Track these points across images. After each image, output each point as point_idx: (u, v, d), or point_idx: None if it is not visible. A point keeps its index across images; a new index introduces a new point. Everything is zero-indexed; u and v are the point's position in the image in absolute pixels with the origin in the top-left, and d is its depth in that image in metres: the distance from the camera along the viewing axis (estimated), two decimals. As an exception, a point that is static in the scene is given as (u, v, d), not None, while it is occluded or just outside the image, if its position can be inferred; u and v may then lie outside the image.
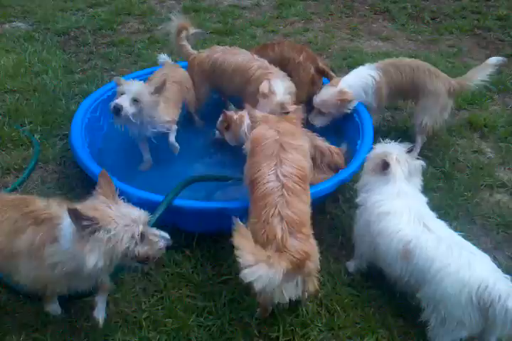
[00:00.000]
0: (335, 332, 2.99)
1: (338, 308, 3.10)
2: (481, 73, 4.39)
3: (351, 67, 5.93)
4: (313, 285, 2.81)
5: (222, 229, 3.49)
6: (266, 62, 4.35)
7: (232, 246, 3.42)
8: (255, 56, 4.43)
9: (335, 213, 3.75)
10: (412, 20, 7.52)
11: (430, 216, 3.06)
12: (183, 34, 4.68)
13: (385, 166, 3.16)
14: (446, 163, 4.39)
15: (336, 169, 3.89)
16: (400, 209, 3.03)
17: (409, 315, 3.09)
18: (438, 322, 2.79)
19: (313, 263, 2.76)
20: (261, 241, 2.69)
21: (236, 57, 4.41)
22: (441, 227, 2.99)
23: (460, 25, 7.30)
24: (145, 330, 2.96)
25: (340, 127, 4.68)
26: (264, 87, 3.99)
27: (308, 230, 2.81)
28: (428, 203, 3.20)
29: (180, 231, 3.54)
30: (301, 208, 2.83)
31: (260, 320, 3.04)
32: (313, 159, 3.62)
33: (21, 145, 4.47)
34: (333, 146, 4.02)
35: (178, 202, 3.36)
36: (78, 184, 4.05)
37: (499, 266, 3.38)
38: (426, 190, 3.70)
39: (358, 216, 3.31)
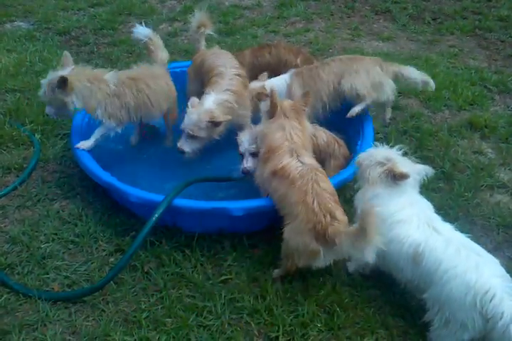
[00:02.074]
0: (334, 332, 2.99)
1: (338, 308, 3.10)
2: None
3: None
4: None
5: (222, 229, 3.54)
6: (233, 71, 4.13)
7: (232, 246, 3.47)
8: (235, 63, 4.29)
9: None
10: (413, 21, 7.51)
11: (438, 219, 3.07)
12: (201, 30, 4.70)
13: (400, 177, 3.08)
14: (446, 163, 4.39)
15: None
16: (410, 216, 3.02)
17: (409, 315, 3.10)
18: (442, 324, 2.79)
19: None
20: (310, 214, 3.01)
21: (216, 59, 4.29)
22: (449, 230, 3.00)
23: (461, 25, 7.30)
24: (145, 330, 2.97)
25: (340, 127, 4.67)
26: (192, 101, 3.95)
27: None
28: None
29: (180, 231, 3.55)
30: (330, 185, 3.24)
31: (260, 320, 3.04)
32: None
33: (22, 144, 4.46)
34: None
35: (178, 202, 3.36)
36: (78, 183, 4.05)
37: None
38: (426, 190, 3.72)
39: None
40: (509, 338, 2.52)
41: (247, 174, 3.65)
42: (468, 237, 3.50)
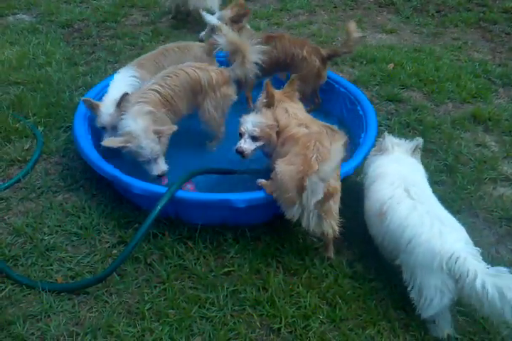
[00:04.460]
0: (336, 324, 3.00)
1: (340, 300, 3.11)
2: None
3: (355, 60, 5.96)
4: (330, 226, 3.19)
5: (225, 221, 3.54)
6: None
7: (235, 239, 3.48)
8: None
9: (337, 206, 3.75)
10: (417, 13, 7.48)
11: (418, 183, 3.20)
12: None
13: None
14: (449, 156, 4.38)
15: None
16: (389, 171, 3.28)
17: (411, 307, 3.10)
18: (416, 290, 2.89)
19: (334, 203, 3.18)
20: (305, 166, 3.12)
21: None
22: (423, 196, 3.08)
23: (465, 17, 7.26)
24: (148, 321, 2.98)
25: (343, 120, 4.68)
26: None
27: (339, 172, 3.27)
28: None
29: (183, 222, 3.56)
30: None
31: (263, 312, 3.06)
32: None
33: (25, 137, 4.47)
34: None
35: (181, 193, 3.37)
36: (81, 176, 4.06)
37: (501, 259, 3.44)
38: (429, 183, 3.70)
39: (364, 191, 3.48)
40: (476, 293, 2.60)
41: (242, 154, 3.58)
42: (471, 230, 3.58)
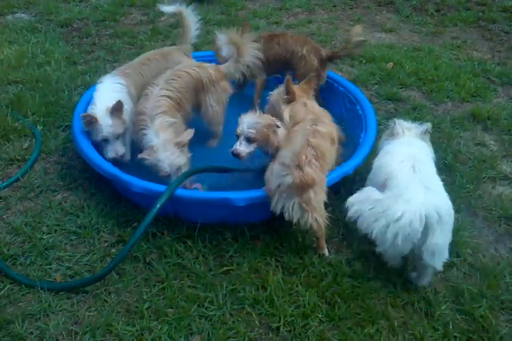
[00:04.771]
0: (335, 323, 3.00)
1: (339, 299, 3.11)
2: None
3: (354, 59, 5.96)
4: (314, 219, 3.23)
5: (224, 220, 3.54)
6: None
7: (234, 238, 3.48)
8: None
9: (337, 205, 3.74)
10: (416, 12, 7.48)
11: (424, 162, 3.29)
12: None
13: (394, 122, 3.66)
14: (448, 155, 4.38)
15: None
16: (399, 151, 3.41)
17: (410, 306, 3.11)
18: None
19: (315, 194, 3.19)
20: None
21: None
22: (426, 172, 3.21)
23: (464, 17, 7.26)
24: (146, 320, 2.98)
25: (342, 119, 4.67)
26: None
27: (324, 164, 3.34)
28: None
29: (182, 221, 3.56)
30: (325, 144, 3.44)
31: (261, 311, 3.06)
32: None
33: (24, 136, 4.47)
34: None
35: (180, 192, 3.37)
36: (80, 175, 4.06)
37: (501, 258, 3.44)
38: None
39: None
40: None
41: (237, 157, 3.59)
42: (470, 229, 3.60)
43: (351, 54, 4.80)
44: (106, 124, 3.74)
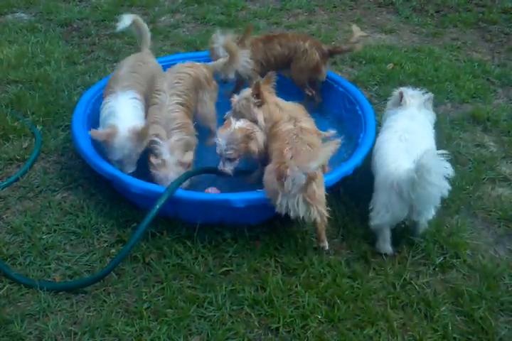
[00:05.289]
0: (335, 324, 3.00)
1: (338, 300, 3.11)
2: None
3: (354, 59, 5.96)
4: (318, 212, 3.25)
5: (223, 220, 3.54)
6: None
7: (233, 238, 3.48)
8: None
9: (336, 205, 3.75)
10: (416, 13, 7.46)
11: (415, 133, 3.56)
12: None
13: (401, 97, 3.82)
14: (448, 156, 4.36)
15: None
16: (397, 124, 3.66)
17: (409, 307, 3.11)
18: (372, 204, 3.40)
19: (318, 187, 3.22)
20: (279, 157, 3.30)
21: None
22: (413, 142, 3.45)
23: (464, 18, 7.25)
24: (146, 320, 2.98)
25: (342, 119, 4.67)
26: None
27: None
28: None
29: (181, 222, 3.56)
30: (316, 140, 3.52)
31: (261, 311, 3.06)
32: None
33: (24, 135, 4.46)
34: None
35: (180, 192, 3.37)
36: (80, 175, 4.05)
37: (500, 260, 3.44)
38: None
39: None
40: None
41: (226, 175, 3.64)
42: (470, 230, 3.68)
43: (352, 49, 4.82)
44: (127, 147, 3.64)
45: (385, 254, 3.44)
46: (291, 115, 3.63)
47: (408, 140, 3.47)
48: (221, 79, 4.55)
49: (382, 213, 3.31)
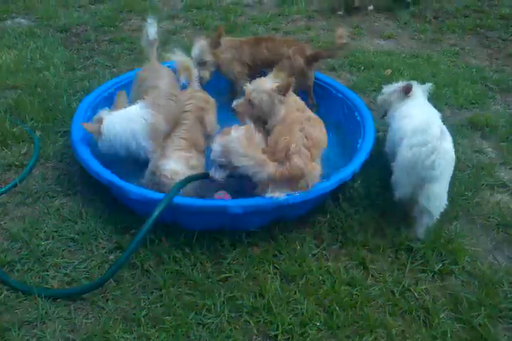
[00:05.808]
0: (333, 331, 2.99)
1: (337, 307, 3.10)
2: None
3: (353, 65, 5.98)
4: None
5: (222, 227, 3.54)
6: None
7: (232, 244, 3.48)
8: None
9: (335, 212, 3.75)
10: (415, 19, 7.51)
11: (434, 119, 3.73)
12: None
13: (407, 90, 4.04)
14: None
15: None
16: (413, 114, 3.82)
17: (408, 314, 3.10)
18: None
19: (307, 182, 3.39)
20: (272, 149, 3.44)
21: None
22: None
23: (462, 24, 7.29)
24: (144, 327, 2.96)
25: (340, 125, 4.67)
26: None
27: (316, 152, 3.51)
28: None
29: (180, 228, 3.55)
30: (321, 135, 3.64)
31: (259, 319, 3.05)
32: None
33: (22, 141, 4.46)
34: None
35: (178, 199, 3.37)
36: (79, 181, 4.05)
37: (499, 266, 3.44)
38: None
39: (389, 130, 4.00)
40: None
41: (217, 182, 3.59)
42: (469, 237, 3.69)
43: (334, 55, 4.91)
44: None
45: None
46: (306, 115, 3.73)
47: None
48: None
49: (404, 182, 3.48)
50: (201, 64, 4.63)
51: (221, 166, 3.52)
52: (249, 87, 3.77)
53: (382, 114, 4.38)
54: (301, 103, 3.88)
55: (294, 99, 3.83)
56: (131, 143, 3.77)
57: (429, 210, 3.49)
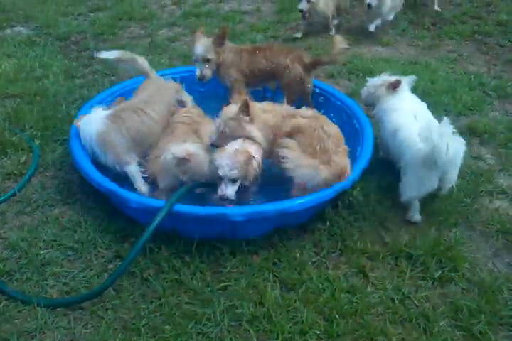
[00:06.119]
0: (333, 340, 2.97)
1: (337, 315, 3.09)
2: None
3: (351, 72, 5.99)
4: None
5: (222, 235, 3.53)
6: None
7: (231, 253, 3.47)
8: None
9: (335, 220, 3.74)
10: (413, 26, 7.53)
11: (421, 110, 4.09)
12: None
13: (396, 85, 4.23)
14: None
15: None
16: (401, 107, 4.09)
17: (408, 322, 3.09)
18: (403, 179, 3.78)
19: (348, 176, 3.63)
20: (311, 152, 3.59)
21: None
22: (426, 118, 3.93)
23: (460, 30, 7.32)
24: (144, 337, 2.95)
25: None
26: None
27: (344, 146, 3.76)
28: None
29: (179, 237, 3.55)
30: (337, 129, 3.86)
31: (259, 327, 3.03)
32: None
33: (21, 150, 4.47)
34: None
35: (178, 207, 3.36)
36: (78, 189, 4.05)
37: (499, 273, 3.43)
38: (425, 196, 3.72)
39: (381, 124, 4.24)
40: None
41: (226, 201, 3.51)
42: (468, 243, 3.66)
43: (334, 61, 4.86)
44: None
45: (415, 223, 3.81)
46: (287, 113, 3.87)
47: (421, 119, 3.88)
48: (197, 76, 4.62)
49: (417, 186, 3.65)
50: (205, 61, 4.61)
51: (233, 180, 3.47)
52: (217, 120, 3.81)
53: (371, 108, 4.55)
54: (288, 108, 3.99)
55: (268, 109, 3.91)
56: (90, 146, 3.90)
57: (451, 185, 3.77)
